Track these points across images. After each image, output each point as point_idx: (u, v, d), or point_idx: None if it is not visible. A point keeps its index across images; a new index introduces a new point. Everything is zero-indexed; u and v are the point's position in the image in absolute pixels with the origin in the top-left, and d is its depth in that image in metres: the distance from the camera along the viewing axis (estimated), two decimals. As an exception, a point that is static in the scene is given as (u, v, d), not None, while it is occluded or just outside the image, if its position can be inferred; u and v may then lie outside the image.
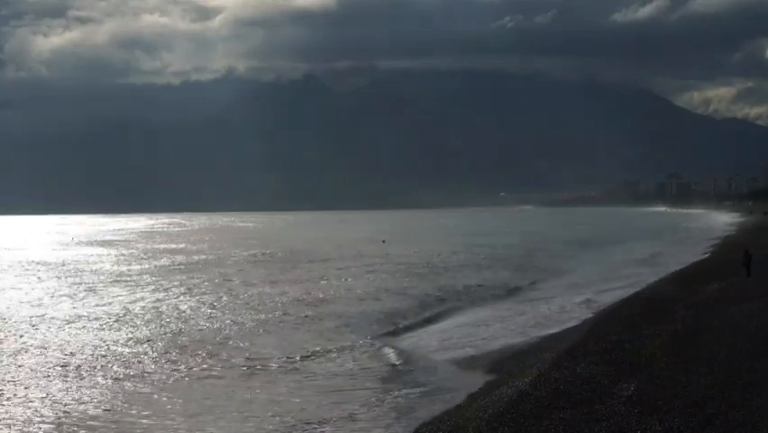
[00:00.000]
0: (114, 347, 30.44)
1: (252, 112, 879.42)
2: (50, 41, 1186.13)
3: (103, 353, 29.34)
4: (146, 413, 21.25)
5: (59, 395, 23.05)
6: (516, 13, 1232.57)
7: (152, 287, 52.82)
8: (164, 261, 78.48)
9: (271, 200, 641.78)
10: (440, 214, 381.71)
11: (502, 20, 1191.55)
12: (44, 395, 23.01)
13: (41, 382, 24.66)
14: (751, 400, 16.96)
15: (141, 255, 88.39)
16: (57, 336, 33.08)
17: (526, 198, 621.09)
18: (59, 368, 26.60)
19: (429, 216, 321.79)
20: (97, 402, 22.31)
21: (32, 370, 26.45)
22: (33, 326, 35.95)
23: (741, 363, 20.30)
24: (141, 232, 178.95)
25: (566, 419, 16.48)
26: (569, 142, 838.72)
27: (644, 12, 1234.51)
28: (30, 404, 22.09)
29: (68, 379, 25.09)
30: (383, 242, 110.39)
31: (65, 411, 21.33)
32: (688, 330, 26.32)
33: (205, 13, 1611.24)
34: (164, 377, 25.50)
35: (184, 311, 40.67)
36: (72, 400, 22.56)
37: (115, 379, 25.14)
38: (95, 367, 26.76)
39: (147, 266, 71.91)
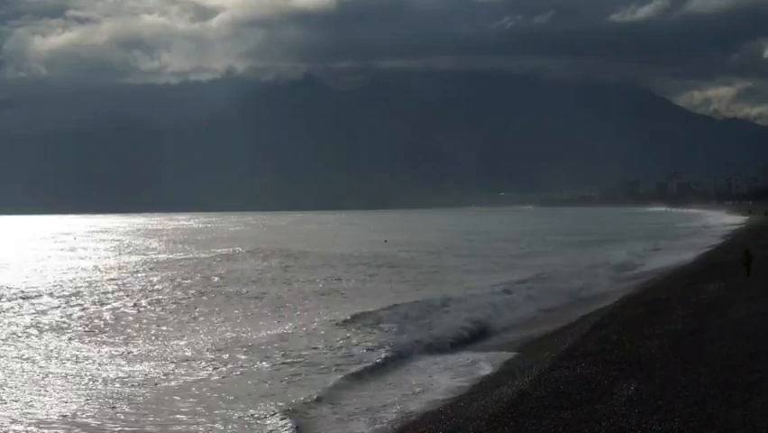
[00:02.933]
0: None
1: (252, 112, 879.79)
2: (49, 41, 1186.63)
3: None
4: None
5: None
6: (515, 14, 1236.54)
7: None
8: (283, 261, 74.42)
9: (271, 200, 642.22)
10: (441, 214, 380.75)
11: (501, 20, 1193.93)
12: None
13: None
14: (751, 400, 16.98)
15: (263, 254, 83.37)
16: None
17: (526, 198, 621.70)
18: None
19: (434, 216, 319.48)
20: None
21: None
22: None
23: (741, 364, 20.32)
24: (194, 231, 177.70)
25: (566, 419, 16.49)
26: (569, 142, 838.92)
27: (644, 12, 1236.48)
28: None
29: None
30: (385, 241, 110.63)
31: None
32: (688, 330, 26.33)
33: (204, 13, 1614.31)
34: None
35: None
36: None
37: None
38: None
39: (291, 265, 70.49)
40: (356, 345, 28.73)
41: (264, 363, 26.26)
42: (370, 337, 30.03)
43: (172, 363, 26.88)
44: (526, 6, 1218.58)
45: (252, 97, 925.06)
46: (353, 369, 24.79)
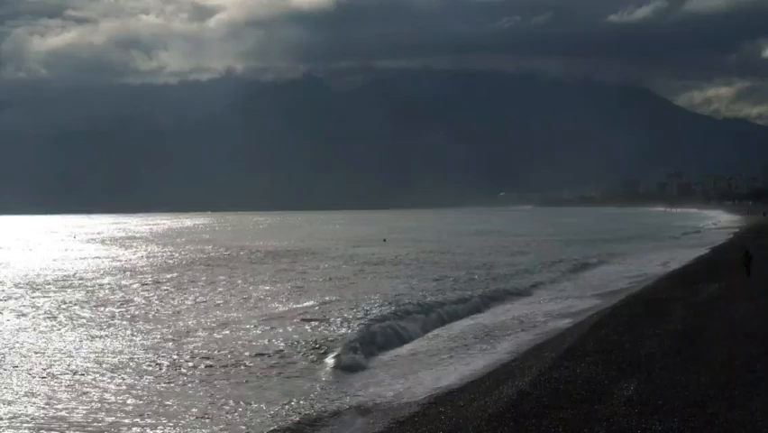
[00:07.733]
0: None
1: (251, 112, 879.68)
2: (48, 41, 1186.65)
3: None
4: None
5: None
6: (513, 14, 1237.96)
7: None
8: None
9: (270, 200, 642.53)
10: (441, 214, 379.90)
11: (499, 21, 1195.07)
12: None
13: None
14: (751, 400, 16.97)
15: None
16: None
17: (526, 197, 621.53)
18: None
19: (445, 217, 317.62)
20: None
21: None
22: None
23: (741, 363, 20.31)
24: (245, 231, 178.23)
25: (566, 419, 16.47)
26: (568, 142, 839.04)
27: (643, 12, 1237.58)
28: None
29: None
30: (384, 240, 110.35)
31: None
32: (688, 330, 26.33)
33: (203, 13, 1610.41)
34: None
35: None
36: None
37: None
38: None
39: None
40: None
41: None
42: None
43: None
44: (525, 7, 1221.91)
45: (252, 97, 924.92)
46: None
